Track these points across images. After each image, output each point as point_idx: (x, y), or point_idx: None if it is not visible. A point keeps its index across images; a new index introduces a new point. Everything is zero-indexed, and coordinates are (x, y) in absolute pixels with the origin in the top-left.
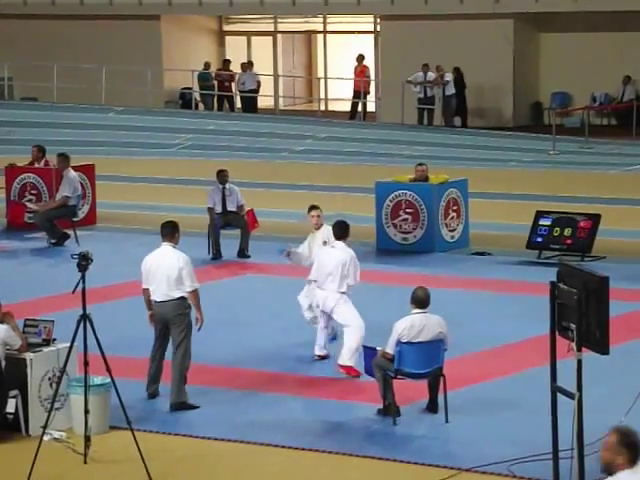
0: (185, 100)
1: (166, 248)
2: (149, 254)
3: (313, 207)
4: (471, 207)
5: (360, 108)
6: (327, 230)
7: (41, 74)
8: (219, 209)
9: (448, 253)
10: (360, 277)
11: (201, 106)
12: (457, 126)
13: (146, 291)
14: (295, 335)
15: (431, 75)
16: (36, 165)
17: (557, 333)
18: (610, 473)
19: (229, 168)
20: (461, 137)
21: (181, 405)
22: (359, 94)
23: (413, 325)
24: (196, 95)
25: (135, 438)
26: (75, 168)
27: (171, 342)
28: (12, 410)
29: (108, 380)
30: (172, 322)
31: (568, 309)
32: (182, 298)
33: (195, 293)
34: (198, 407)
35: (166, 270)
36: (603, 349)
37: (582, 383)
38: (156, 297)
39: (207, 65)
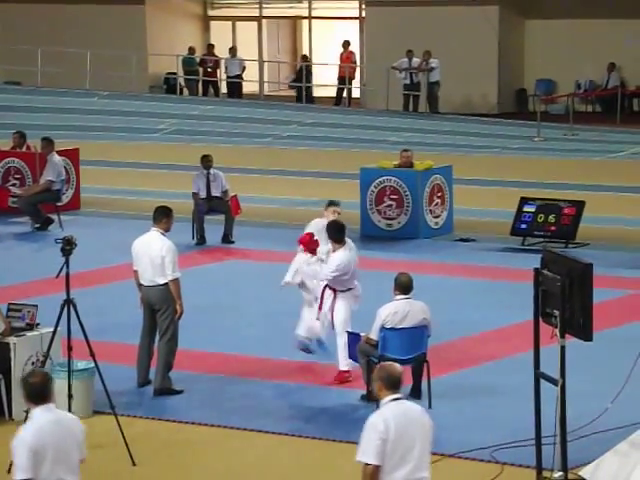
0: (169, 85)
1: (153, 233)
2: (139, 237)
3: (333, 203)
4: (455, 193)
5: (345, 94)
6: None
7: (25, 58)
8: (203, 194)
9: (432, 239)
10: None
11: (186, 91)
12: (441, 112)
13: (135, 273)
14: (279, 321)
15: (416, 61)
16: (18, 151)
17: (541, 319)
18: None
19: (213, 153)
20: (446, 123)
21: (164, 390)
22: (344, 80)
23: (397, 311)
24: (181, 80)
25: (119, 423)
26: (59, 153)
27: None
28: None
29: (92, 365)
30: (157, 308)
31: (552, 296)
32: (167, 285)
33: (175, 283)
34: (182, 392)
35: (150, 256)
36: (586, 336)
37: (565, 369)
38: (143, 281)
39: (192, 50)
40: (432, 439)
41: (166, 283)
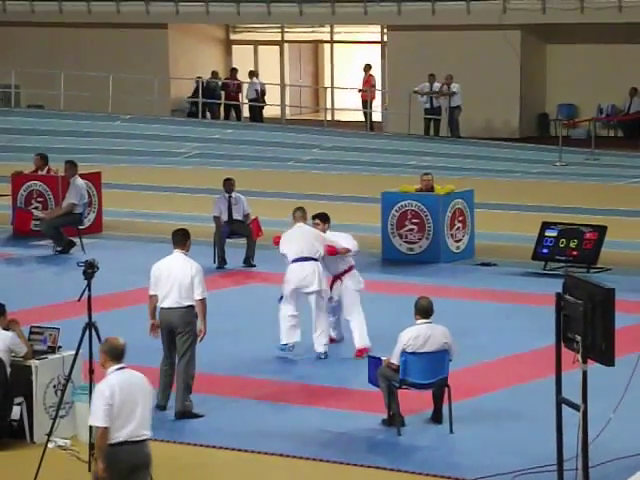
0: (191, 109)
1: (178, 256)
2: (159, 261)
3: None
4: (477, 218)
5: (364, 117)
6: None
7: (48, 82)
8: (225, 218)
9: (453, 264)
10: (365, 286)
11: (208, 115)
12: (462, 136)
13: (152, 298)
14: (299, 345)
15: (437, 86)
16: (39, 173)
17: (562, 345)
18: None
19: (235, 177)
20: (467, 148)
21: (185, 414)
22: (366, 104)
23: (418, 335)
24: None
25: None
26: (82, 176)
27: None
28: (17, 417)
29: None
30: (178, 330)
31: (574, 320)
32: (190, 307)
33: (203, 302)
34: (202, 416)
35: (178, 278)
36: (608, 361)
37: (587, 395)
38: (165, 304)
39: (214, 74)
40: (153, 403)
41: (190, 305)
